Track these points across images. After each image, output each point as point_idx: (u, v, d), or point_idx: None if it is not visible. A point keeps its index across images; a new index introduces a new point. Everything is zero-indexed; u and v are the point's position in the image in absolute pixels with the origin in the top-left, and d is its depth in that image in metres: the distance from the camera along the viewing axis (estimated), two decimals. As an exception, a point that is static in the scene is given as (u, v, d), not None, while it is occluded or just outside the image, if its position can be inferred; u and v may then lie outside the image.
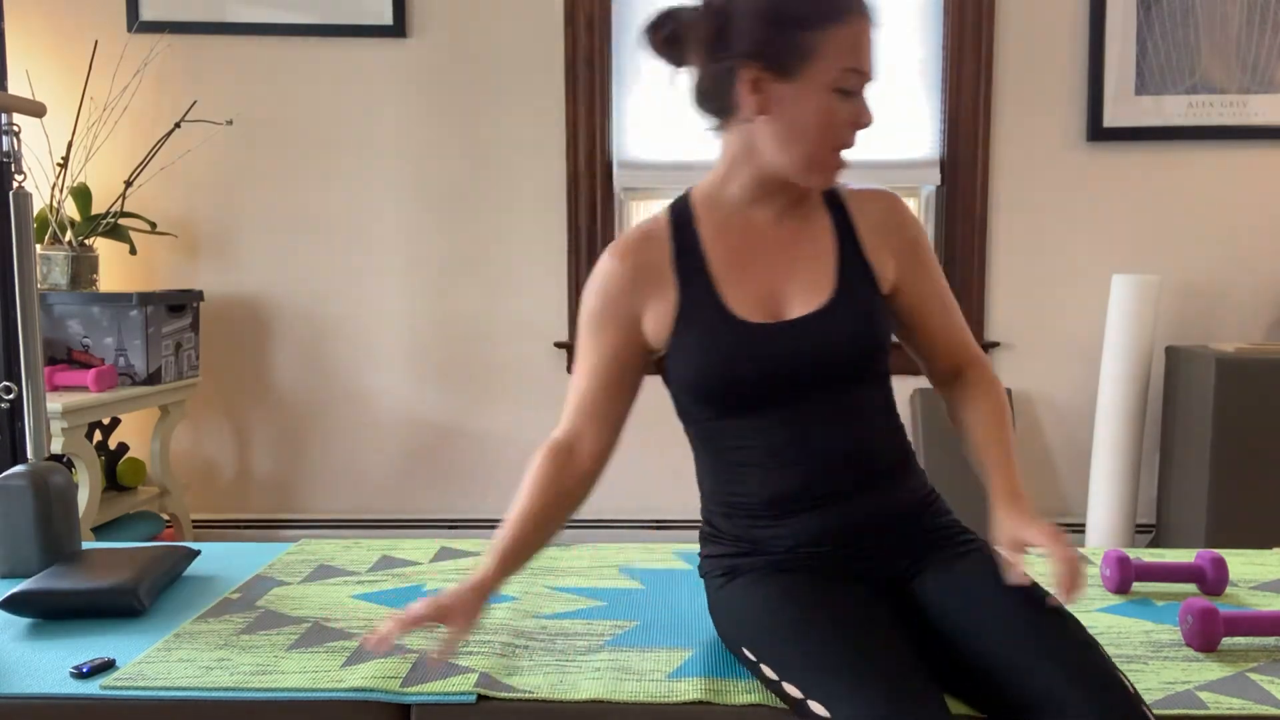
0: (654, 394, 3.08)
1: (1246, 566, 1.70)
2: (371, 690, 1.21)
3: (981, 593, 1.18)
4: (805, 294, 1.26)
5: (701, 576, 1.36)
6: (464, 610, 1.15)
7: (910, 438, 3.07)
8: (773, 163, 1.24)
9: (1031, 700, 1.05)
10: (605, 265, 1.29)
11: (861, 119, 1.21)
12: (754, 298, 1.26)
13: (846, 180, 1.33)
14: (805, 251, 1.28)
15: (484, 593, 1.18)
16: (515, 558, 1.23)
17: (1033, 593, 1.16)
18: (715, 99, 1.24)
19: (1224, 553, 1.77)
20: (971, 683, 1.14)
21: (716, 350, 1.24)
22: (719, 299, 1.26)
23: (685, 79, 1.27)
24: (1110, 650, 1.34)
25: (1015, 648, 1.10)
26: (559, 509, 1.29)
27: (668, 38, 1.26)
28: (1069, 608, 1.30)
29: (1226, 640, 1.35)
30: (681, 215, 1.31)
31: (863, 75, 1.19)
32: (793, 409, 1.24)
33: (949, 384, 1.39)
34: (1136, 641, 1.37)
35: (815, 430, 1.25)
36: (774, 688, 1.15)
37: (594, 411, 1.31)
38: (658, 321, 1.28)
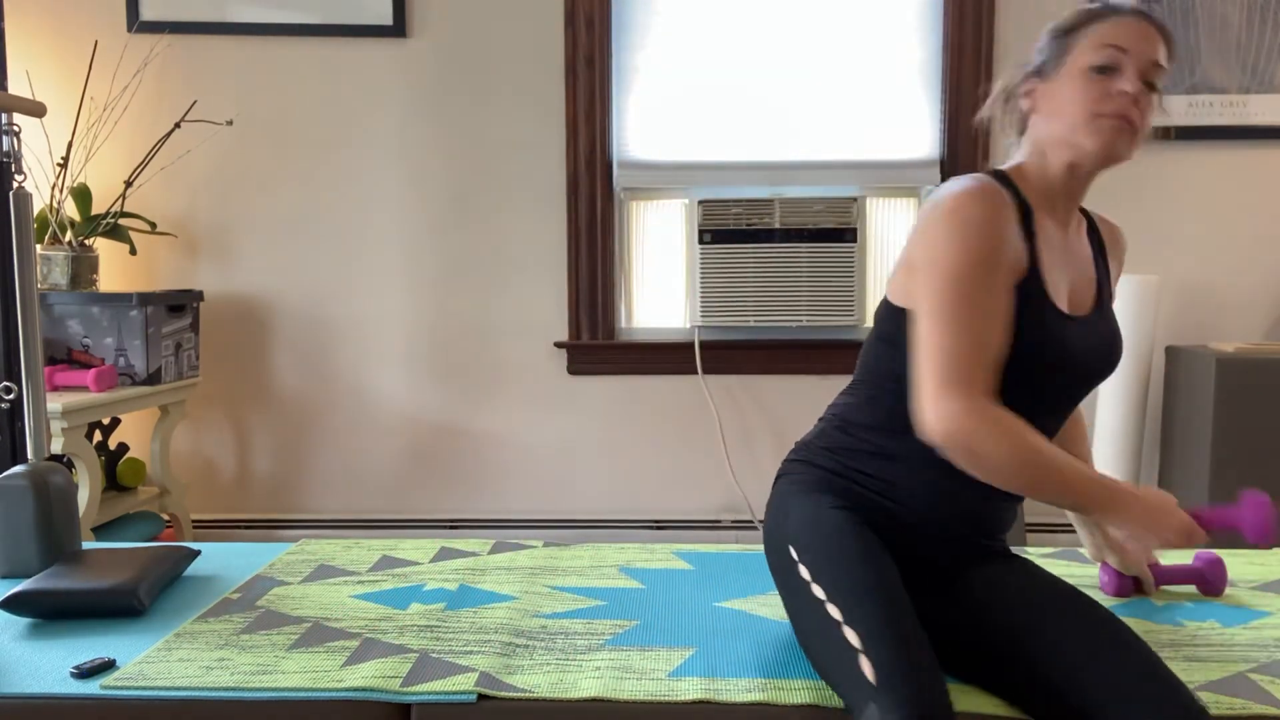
0: (655, 394, 3.09)
1: (1246, 566, 1.70)
2: (371, 690, 1.21)
3: (1040, 601, 1.22)
4: (1083, 296, 1.37)
5: (779, 477, 1.43)
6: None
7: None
8: (1050, 142, 1.36)
9: (1093, 707, 1.08)
10: (982, 207, 1.23)
11: (1116, 85, 1.29)
12: (1061, 289, 1.34)
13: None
14: (1082, 256, 1.39)
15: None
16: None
17: (1087, 601, 1.21)
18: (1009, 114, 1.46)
19: (1224, 553, 1.78)
20: (1026, 688, 1.16)
21: (1036, 329, 1.27)
22: (1042, 281, 1.30)
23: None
24: (1110, 650, 1.34)
25: (1076, 656, 1.12)
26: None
27: None
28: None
29: (1191, 623, 1.39)
30: (1016, 194, 1.34)
31: (1121, 52, 1.29)
32: (1037, 395, 1.32)
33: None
34: (1136, 641, 1.37)
35: (1037, 420, 1.33)
36: (803, 590, 1.23)
37: (997, 364, 1.26)
38: (1009, 279, 1.26)
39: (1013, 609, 1.22)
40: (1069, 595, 1.23)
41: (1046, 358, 1.28)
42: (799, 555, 1.26)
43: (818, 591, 1.20)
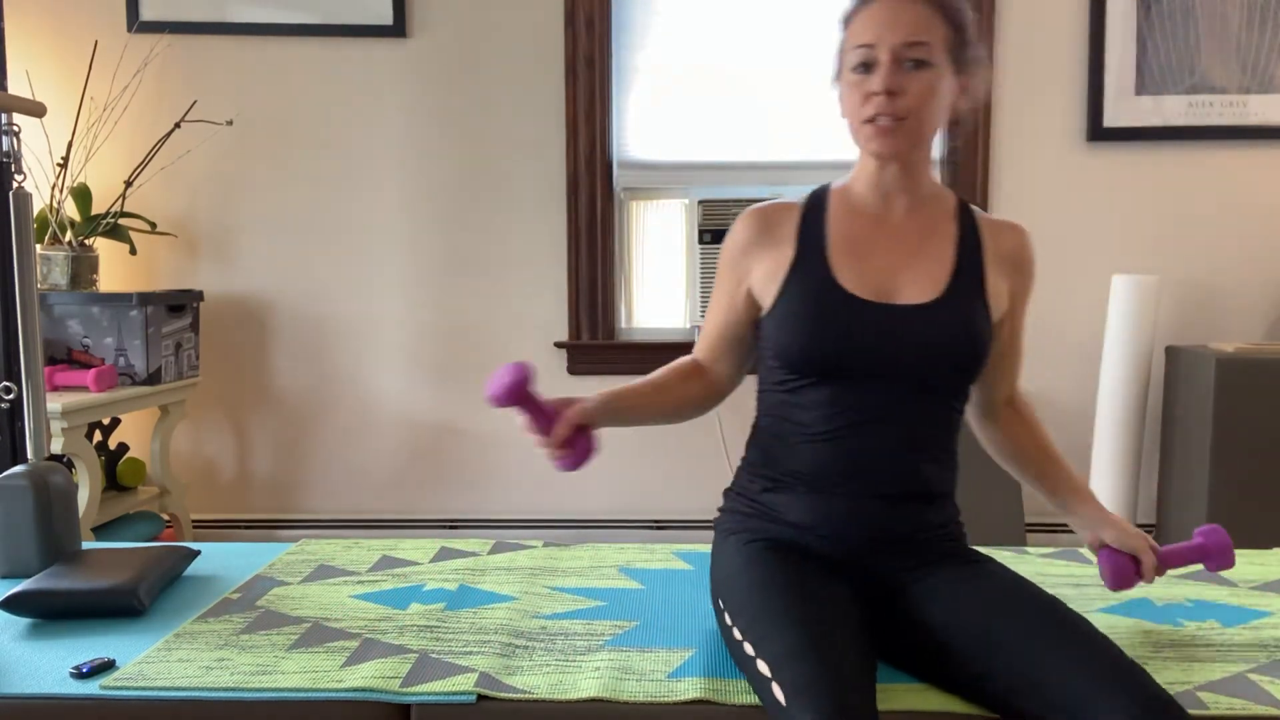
0: (654, 394, 3.08)
1: (1246, 566, 1.71)
2: (371, 690, 1.21)
3: (998, 607, 1.20)
4: (915, 287, 1.32)
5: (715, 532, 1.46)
6: (567, 414, 1.28)
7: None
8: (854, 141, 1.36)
9: (1061, 709, 1.07)
10: (737, 222, 1.42)
11: (868, 86, 1.28)
12: (866, 277, 1.33)
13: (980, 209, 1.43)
14: (926, 249, 1.35)
15: (586, 411, 1.30)
16: (620, 400, 1.35)
17: (1047, 601, 1.19)
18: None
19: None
20: (988, 696, 1.15)
21: (820, 317, 1.31)
22: (830, 271, 1.33)
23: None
24: (1110, 650, 1.34)
25: (1038, 660, 1.11)
26: (678, 393, 1.43)
27: None
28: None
29: (1190, 622, 1.36)
30: (816, 197, 1.41)
31: (869, 48, 1.27)
32: (865, 393, 1.30)
33: (992, 415, 1.50)
34: (1136, 641, 1.37)
35: (873, 423, 1.30)
36: (729, 634, 1.23)
37: (718, 344, 1.45)
38: (767, 280, 1.36)
39: (975, 612, 1.20)
40: (1030, 594, 1.21)
41: (835, 338, 1.30)
42: (724, 603, 1.28)
43: (737, 633, 1.20)
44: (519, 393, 1.24)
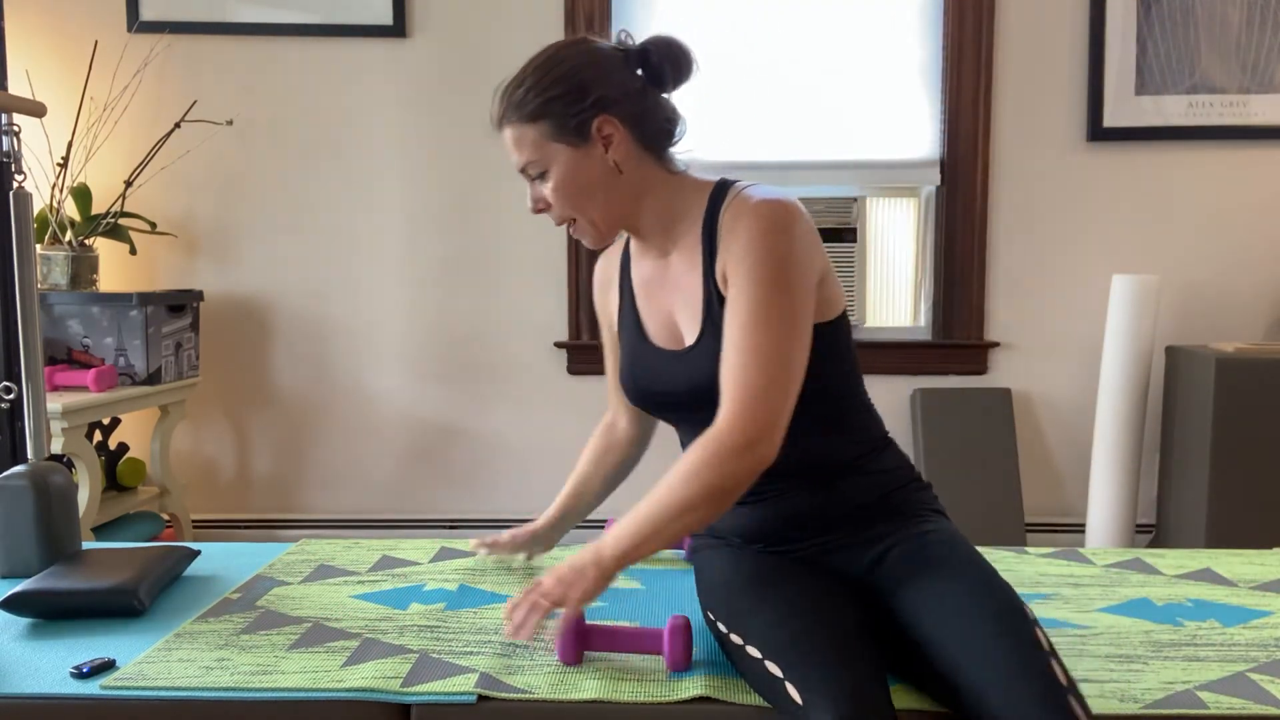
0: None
1: (1246, 566, 1.70)
2: (371, 690, 1.21)
3: (945, 608, 1.16)
4: (689, 326, 1.33)
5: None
6: (516, 541, 1.52)
7: (910, 437, 3.08)
8: None
9: (973, 689, 1.07)
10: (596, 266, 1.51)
11: (530, 205, 1.33)
12: (658, 323, 1.37)
13: (748, 194, 1.26)
14: (685, 285, 1.33)
15: (538, 535, 1.56)
16: (564, 511, 1.56)
17: (989, 606, 1.14)
18: None
19: (1224, 553, 1.78)
20: (944, 693, 1.14)
21: (635, 367, 1.38)
22: (639, 319, 1.39)
23: None
24: (1109, 650, 1.34)
25: (976, 669, 1.09)
26: (601, 475, 1.55)
27: None
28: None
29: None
30: (627, 240, 1.44)
31: (523, 172, 1.31)
32: (701, 422, 1.25)
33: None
34: (1136, 641, 1.37)
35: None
36: (728, 642, 1.23)
37: (614, 394, 1.53)
38: (615, 327, 1.45)
39: (913, 602, 1.19)
40: (964, 581, 1.17)
41: (649, 389, 1.36)
42: (714, 614, 1.28)
43: (736, 639, 1.20)
44: (578, 638, 1.28)
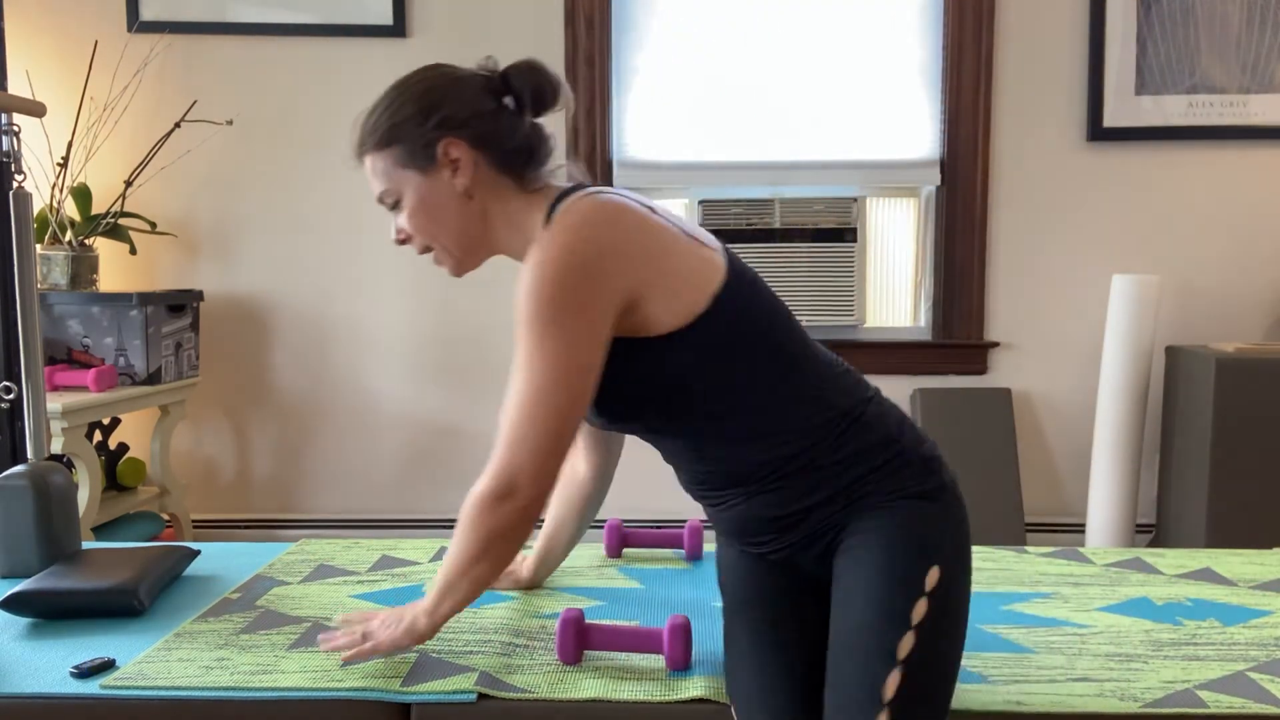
0: (654, 394, 3.08)
1: (1246, 566, 1.71)
2: (371, 690, 1.21)
3: (834, 626, 1.15)
4: None
5: None
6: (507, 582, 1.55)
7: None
8: None
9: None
10: None
11: (393, 236, 1.32)
12: None
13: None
14: None
15: (521, 581, 1.57)
16: (543, 558, 1.57)
17: (844, 627, 1.13)
18: None
19: (1224, 552, 1.78)
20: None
21: None
22: None
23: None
24: (1109, 649, 1.34)
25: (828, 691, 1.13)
26: (570, 510, 1.55)
27: None
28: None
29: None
30: None
31: (380, 201, 1.29)
32: (647, 441, 1.29)
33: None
34: (1136, 641, 1.37)
35: (673, 461, 1.30)
36: None
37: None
38: None
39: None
40: (850, 601, 1.14)
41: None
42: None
43: None
44: (578, 637, 1.29)
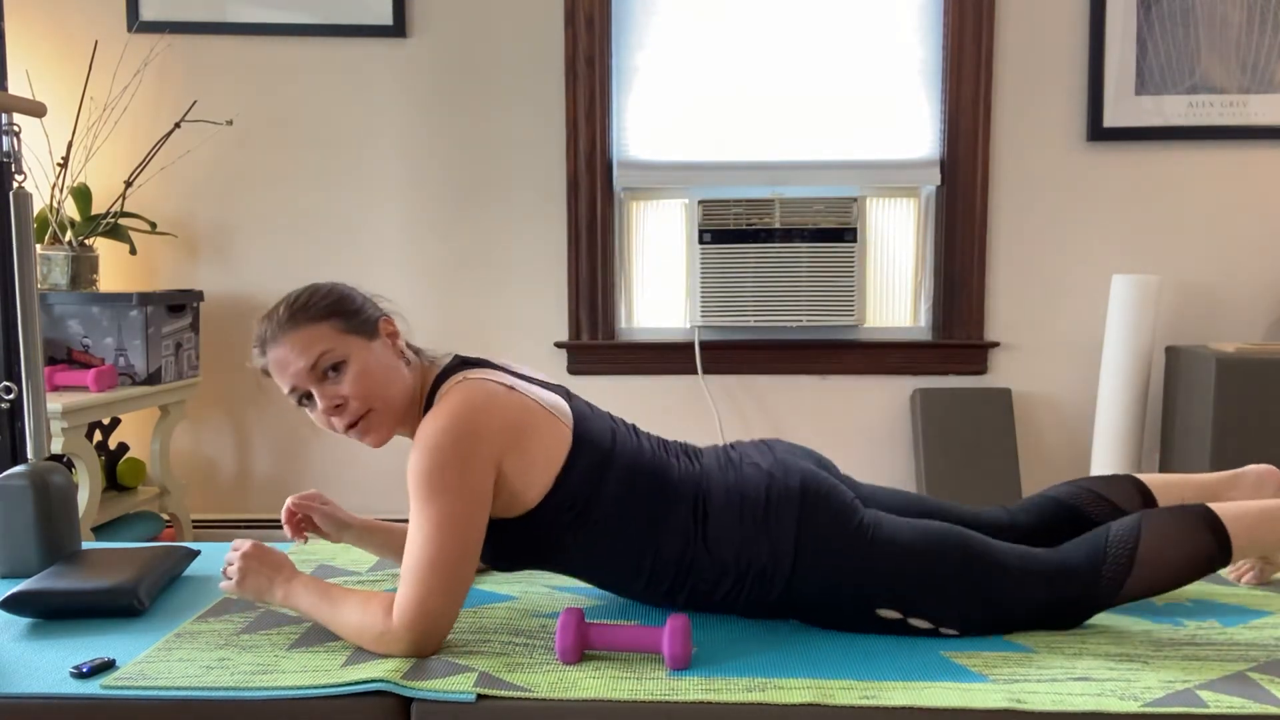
0: (655, 394, 3.08)
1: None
2: (371, 690, 1.21)
3: None
4: None
5: None
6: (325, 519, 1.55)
7: (910, 437, 3.08)
8: None
9: None
10: None
11: (323, 421, 1.38)
12: None
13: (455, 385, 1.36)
14: None
15: (345, 531, 1.58)
16: (370, 536, 1.60)
17: None
18: None
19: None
20: None
21: None
22: None
23: None
24: (1110, 649, 1.34)
25: None
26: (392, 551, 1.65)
27: None
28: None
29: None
30: None
31: (295, 390, 1.38)
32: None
33: None
34: (1137, 640, 1.37)
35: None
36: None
37: None
38: None
39: None
40: None
41: None
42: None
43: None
44: (579, 637, 1.30)
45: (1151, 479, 1.59)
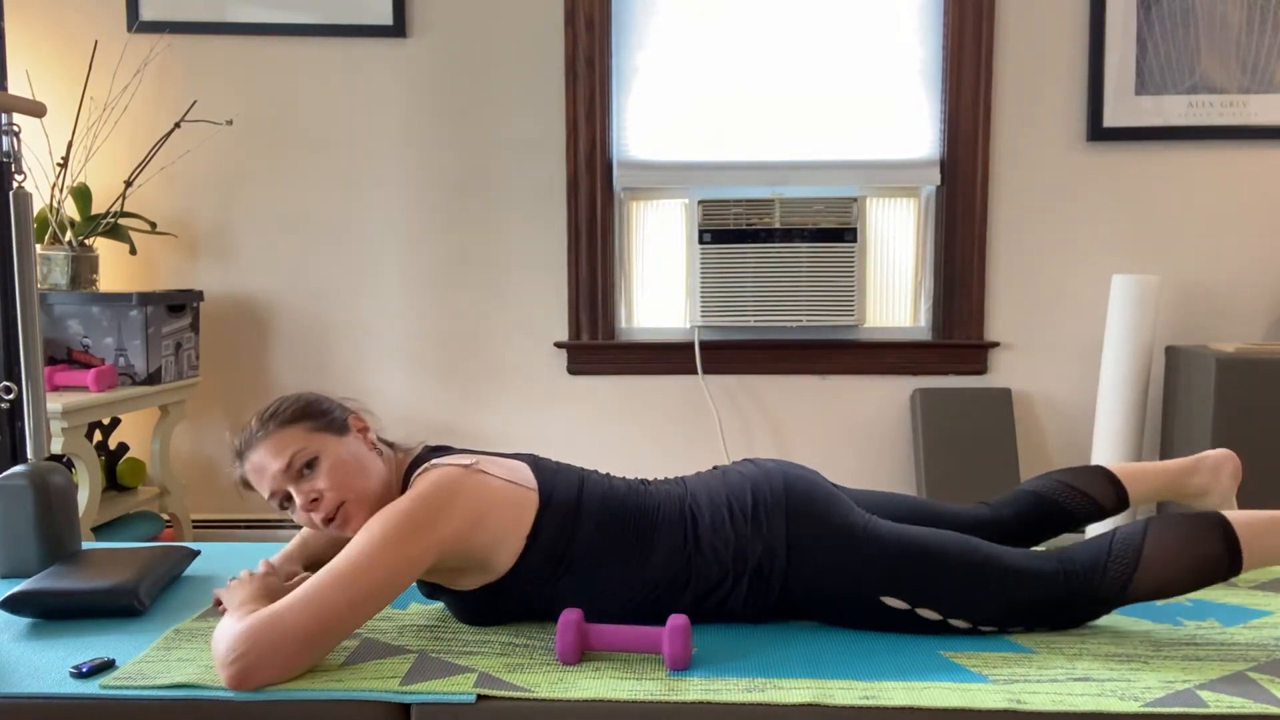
0: (655, 394, 3.08)
1: (1246, 566, 1.70)
2: (371, 690, 1.21)
3: None
4: None
5: None
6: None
7: (910, 437, 3.08)
8: None
9: None
10: None
11: (304, 518, 1.40)
12: None
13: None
14: None
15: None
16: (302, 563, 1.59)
17: None
18: None
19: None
20: None
21: None
22: None
23: None
24: (1110, 649, 1.34)
25: None
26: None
27: None
28: None
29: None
30: None
31: (275, 494, 1.39)
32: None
33: None
34: (1136, 640, 1.37)
35: None
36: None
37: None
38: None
39: None
40: None
41: None
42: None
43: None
44: (579, 638, 1.30)
45: (1119, 468, 1.70)
